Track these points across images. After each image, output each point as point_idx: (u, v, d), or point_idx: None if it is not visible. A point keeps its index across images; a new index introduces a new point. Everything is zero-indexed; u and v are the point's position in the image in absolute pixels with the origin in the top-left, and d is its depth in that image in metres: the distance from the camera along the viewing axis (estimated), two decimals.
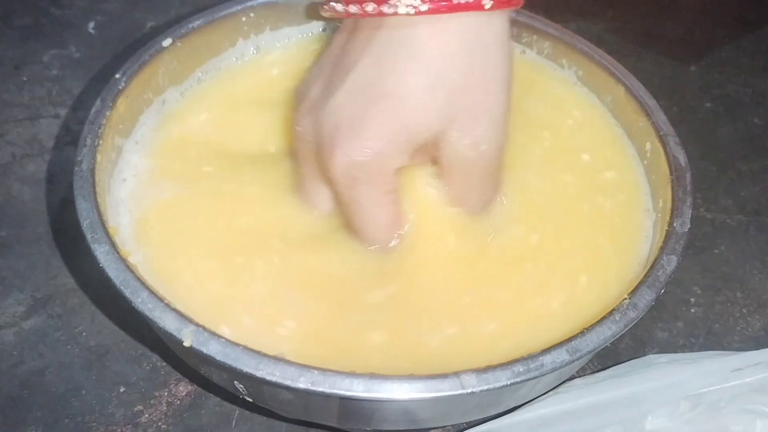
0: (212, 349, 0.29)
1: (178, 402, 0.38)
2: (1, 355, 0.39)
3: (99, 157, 0.35)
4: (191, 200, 0.38)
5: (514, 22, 0.46)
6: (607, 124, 0.44)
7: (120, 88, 0.38)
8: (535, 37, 0.46)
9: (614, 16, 0.65)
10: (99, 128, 0.36)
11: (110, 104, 0.37)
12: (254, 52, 0.46)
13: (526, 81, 0.45)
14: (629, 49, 0.62)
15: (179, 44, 0.42)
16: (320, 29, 0.46)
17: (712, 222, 0.49)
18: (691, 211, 0.36)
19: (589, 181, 0.41)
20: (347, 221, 0.35)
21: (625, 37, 0.63)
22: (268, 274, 0.35)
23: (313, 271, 0.35)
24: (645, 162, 0.41)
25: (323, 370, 0.28)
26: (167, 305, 0.30)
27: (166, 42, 0.41)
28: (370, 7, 0.31)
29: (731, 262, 0.47)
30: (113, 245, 0.32)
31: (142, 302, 0.30)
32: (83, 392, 0.38)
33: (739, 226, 0.49)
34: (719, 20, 0.67)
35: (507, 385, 0.29)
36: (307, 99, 0.35)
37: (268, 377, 0.28)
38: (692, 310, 0.44)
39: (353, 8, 0.32)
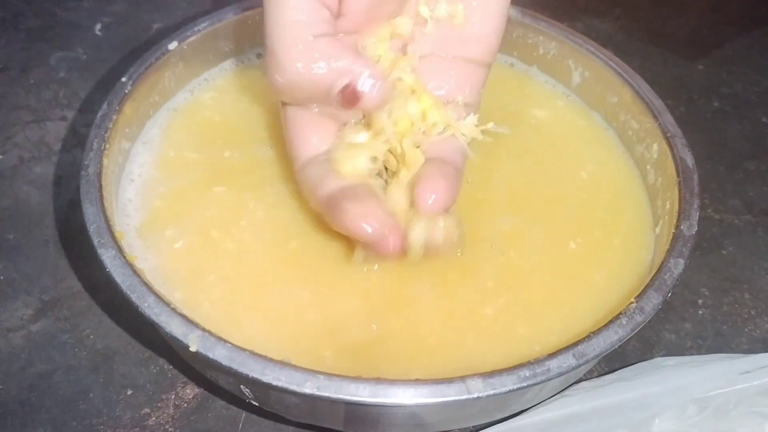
0: (218, 354, 0.29)
1: (185, 405, 0.38)
2: (10, 358, 0.39)
3: (106, 161, 0.36)
4: (200, 196, 0.39)
5: (520, 24, 0.46)
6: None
7: (126, 91, 0.38)
8: (541, 38, 0.46)
9: (621, 15, 0.65)
10: (105, 132, 0.37)
11: (116, 108, 0.38)
12: (259, 56, 0.46)
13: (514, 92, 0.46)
14: (636, 47, 0.62)
15: (185, 47, 0.42)
16: None
17: (719, 222, 0.49)
18: (698, 214, 0.36)
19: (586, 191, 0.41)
20: None
21: (633, 35, 0.63)
22: (279, 271, 0.36)
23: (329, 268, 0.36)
24: (648, 166, 0.41)
25: (329, 375, 0.28)
26: (173, 310, 0.30)
27: (172, 45, 0.41)
28: None
29: (739, 263, 0.47)
30: (120, 250, 0.32)
31: (148, 307, 0.30)
32: (91, 395, 0.38)
33: (747, 226, 0.49)
34: (727, 18, 0.66)
35: (513, 390, 0.29)
36: None
37: (274, 382, 0.28)
38: (700, 312, 0.44)
39: None
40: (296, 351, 0.33)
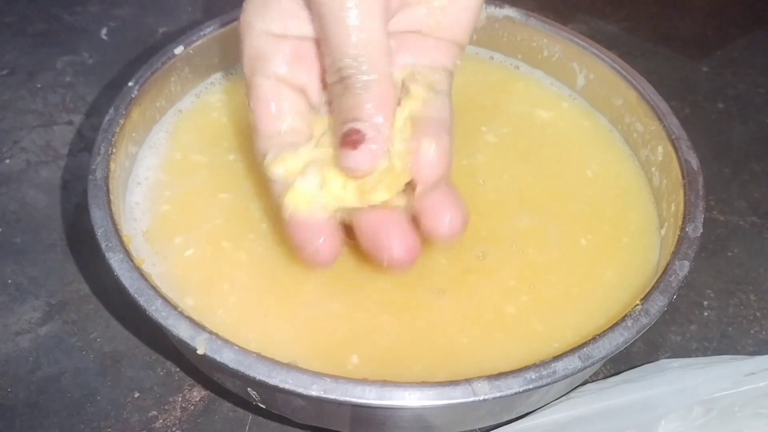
0: (225, 357, 0.29)
1: (192, 407, 0.38)
2: (18, 362, 0.39)
3: (113, 166, 0.36)
4: (207, 203, 0.39)
5: (525, 26, 0.46)
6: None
7: (133, 96, 0.39)
8: (545, 40, 0.46)
9: (626, 16, 0.65)
10: (112, 137, 0.37)
11: (123, 113, 0.38)
12: None
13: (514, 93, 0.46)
14: (641, 49, 0.62)
15: (191, 51, 0.42)
16: None
17: (725, 224, 0.49)
18: (703, 216, 0.36)
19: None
20: None
21: (637, 36, 0.63)
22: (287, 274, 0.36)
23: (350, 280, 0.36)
24: (653, 168, 0.41)
25: (335, 378, 0.28)
26: (181, 313, 0.30)
27: (178, 50, 0.41)
28: None
29: (744, 265, 0.47)
30: (128, 254, 0.32)
31: (156, 310, 0.30)
32: (98, 398, 0.38)
33: (753, 228, 0.49)
34: (731, 19, 0.66)
35: (519, 392, 0.29)
36: None
37: (281, 385, 0.28)
38: (705, 314, 0.44)
39: None
40: (321, 357, 0.33)
